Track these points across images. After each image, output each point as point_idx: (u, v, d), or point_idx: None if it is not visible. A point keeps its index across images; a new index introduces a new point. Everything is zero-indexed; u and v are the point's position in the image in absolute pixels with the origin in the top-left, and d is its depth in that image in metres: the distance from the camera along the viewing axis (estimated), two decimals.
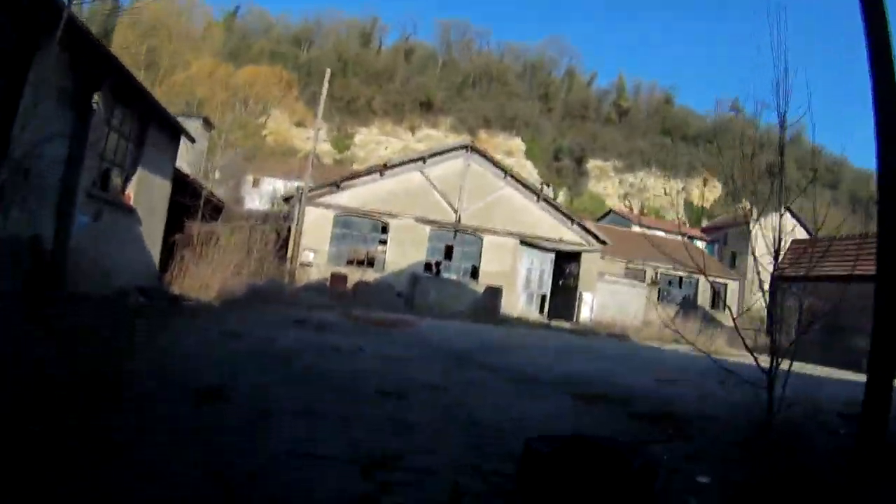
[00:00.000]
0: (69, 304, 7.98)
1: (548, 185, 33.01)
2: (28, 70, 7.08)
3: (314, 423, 4.26)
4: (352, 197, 24.05)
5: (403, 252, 24.08)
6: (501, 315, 22.04)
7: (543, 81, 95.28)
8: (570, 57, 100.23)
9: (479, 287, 24.11)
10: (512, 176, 26.06)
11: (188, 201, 14.87)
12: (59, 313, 7.24)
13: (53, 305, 7.55)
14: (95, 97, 8.95)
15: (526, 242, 25.26)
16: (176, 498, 2.74)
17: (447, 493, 3.17)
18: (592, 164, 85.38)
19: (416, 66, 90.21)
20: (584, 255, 25.67)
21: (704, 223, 60.89)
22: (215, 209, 17.16)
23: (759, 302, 5.36)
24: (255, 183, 46.38)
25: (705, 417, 5.74)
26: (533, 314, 24.59)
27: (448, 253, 25.08)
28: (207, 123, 24.85)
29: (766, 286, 5.12)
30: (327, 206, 23.71)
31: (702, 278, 33.01)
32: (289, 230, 21.82)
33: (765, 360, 4.69)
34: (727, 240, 50.29)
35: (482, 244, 25.06)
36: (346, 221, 24.22)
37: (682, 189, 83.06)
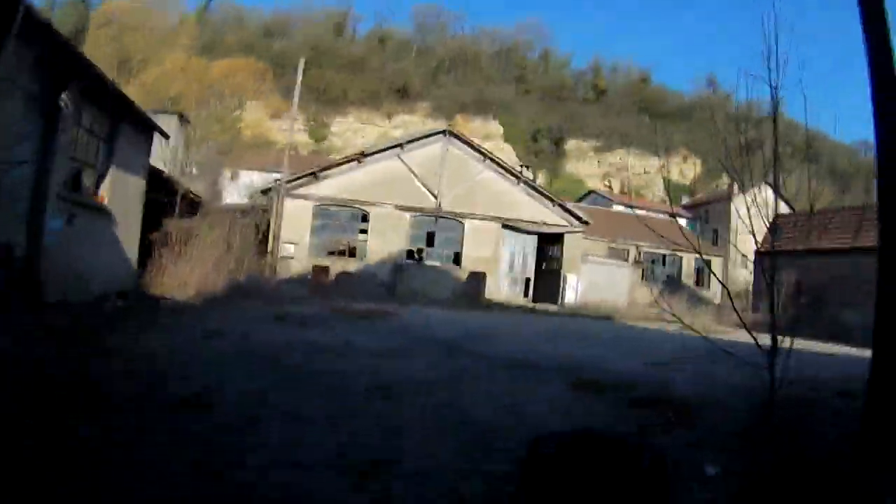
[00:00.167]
0: (44, 313, 7.69)
1: (527, 168, 32.80)
2: None
3: (302, 429, 4.09)
4: (331, 187, 23.72)
5: (385, 241, 23.86)
6: (486, 300, 21.96)
7: (519, 64, 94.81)
8: (545, 39, 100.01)
9: (463, 273, 24.00)
10: (491, 159, 25.85)
11: (165, 198, 14.55)
12: (34, 322, 6.95)
13: (28, 315, 7.26)
14: (63, 96, 8.58)
15: (508, 226, 25.13)
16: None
17: (446, 499, 3.02)
18: (571, 144, 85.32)
19: (391, 53, 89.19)
20: (566, 237, 25.58)
21: (685, 200, 61.15)
22: (193, 205, 16.80)
23: (742, 277, 5.27)
24: (233, 176, 45.72)
25: (704, 401, 5.65)
26: (517, 298, 24.51)
27: (430, 240, 24.89)
28: (183, 119, 24.30)
29: (751, 264, 5.02)
30: (306, 198, 23.39)
31: (686, 256, 33.38)
32: (268, 223, 21.48)
33: (759, 338, 4.57)
34: (708, 217, 50.66)
35: (464, 229, 24.90)
36: (325, 212, 23.91)
37: (663, 166, 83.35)
